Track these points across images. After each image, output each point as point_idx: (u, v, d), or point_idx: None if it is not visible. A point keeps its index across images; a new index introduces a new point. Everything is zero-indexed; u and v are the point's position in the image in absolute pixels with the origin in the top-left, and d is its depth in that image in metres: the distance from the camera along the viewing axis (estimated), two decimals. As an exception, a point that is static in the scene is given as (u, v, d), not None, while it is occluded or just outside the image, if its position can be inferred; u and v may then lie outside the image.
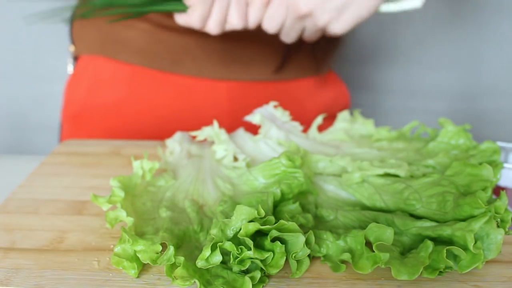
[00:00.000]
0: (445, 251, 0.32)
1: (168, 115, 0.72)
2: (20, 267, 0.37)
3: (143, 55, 0.71)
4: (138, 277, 0.35)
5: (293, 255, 0.34)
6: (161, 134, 0.71)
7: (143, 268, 0.36)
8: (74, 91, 0.77)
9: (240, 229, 0.33)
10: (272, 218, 0.35)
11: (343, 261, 0.36)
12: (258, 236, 0.35)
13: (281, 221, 0.34)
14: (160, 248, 0.35)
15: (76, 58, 0.78)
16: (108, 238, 0.41)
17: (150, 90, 0.72)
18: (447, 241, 0.34)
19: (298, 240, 0.34)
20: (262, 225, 0.34)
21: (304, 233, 0.35)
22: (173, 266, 0.34)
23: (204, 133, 0.53)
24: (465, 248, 0.32)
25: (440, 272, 0.33)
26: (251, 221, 0.34)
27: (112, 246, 0.39)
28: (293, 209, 0.40)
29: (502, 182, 0.46)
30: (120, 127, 0.73)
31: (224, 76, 0.72)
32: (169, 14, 0.69)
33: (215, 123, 0.52)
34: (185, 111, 0.72)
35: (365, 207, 0.41)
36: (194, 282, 0.33)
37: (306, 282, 0.35)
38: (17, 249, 0.39)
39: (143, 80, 0.72)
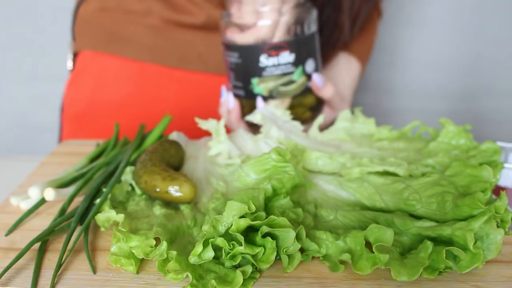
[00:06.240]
0: (444, 252, 0.32)
1: (175, 110, 0.72)
2: (20, 267, 0.37)
3: (150, 51, 0.71)
4: (138, 276, 0.35)
5: (284, 250, 0.34)
6: (168, 129, 0.71)
7: (143, 268, 0.36)
8: (77, 90, 0.76)
9: (232, 225, 0.34)
10: (263, 213, 0.35)
11: (342, 261, 0.36)
12: (250, 232, 0.35)
13: (272, 216, 0.34)
14: (154, 242, 0.36)
15: (75, 54, 0.78)
16: (107, 238, 0.41)
17: (156, 86, 0.72)
18: (447, 241, 0.34)
19: (288, 235, 0.34)
20: (253, 221, 0.34)
21: (295, 228, 0.35)
22: (166, 261, 0.34)
23: (207, 124, 0.53)
24: (465, 248, 0.32)
25: (440, 272, 0.33)
26: (242, 216, 0.34)
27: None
28: (284, 203, 0.39)
29: (502, 182, 0.46)
30: (127, 124, 0.73)
31: None
32: (175, 10, 0.69)
33: (222, 120, 0.53)
34: (191, 106, 0.72)
35: (365, 207, 0.41)
36: (187, 276, 0.33)
37: (306, 282, 0.35)
38: (17, 249, 0.39)
39: (150, 76, 0.72)
